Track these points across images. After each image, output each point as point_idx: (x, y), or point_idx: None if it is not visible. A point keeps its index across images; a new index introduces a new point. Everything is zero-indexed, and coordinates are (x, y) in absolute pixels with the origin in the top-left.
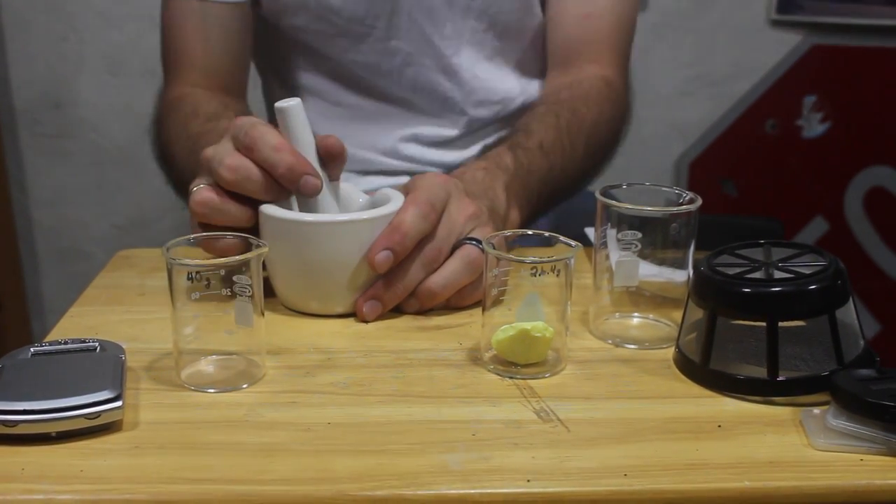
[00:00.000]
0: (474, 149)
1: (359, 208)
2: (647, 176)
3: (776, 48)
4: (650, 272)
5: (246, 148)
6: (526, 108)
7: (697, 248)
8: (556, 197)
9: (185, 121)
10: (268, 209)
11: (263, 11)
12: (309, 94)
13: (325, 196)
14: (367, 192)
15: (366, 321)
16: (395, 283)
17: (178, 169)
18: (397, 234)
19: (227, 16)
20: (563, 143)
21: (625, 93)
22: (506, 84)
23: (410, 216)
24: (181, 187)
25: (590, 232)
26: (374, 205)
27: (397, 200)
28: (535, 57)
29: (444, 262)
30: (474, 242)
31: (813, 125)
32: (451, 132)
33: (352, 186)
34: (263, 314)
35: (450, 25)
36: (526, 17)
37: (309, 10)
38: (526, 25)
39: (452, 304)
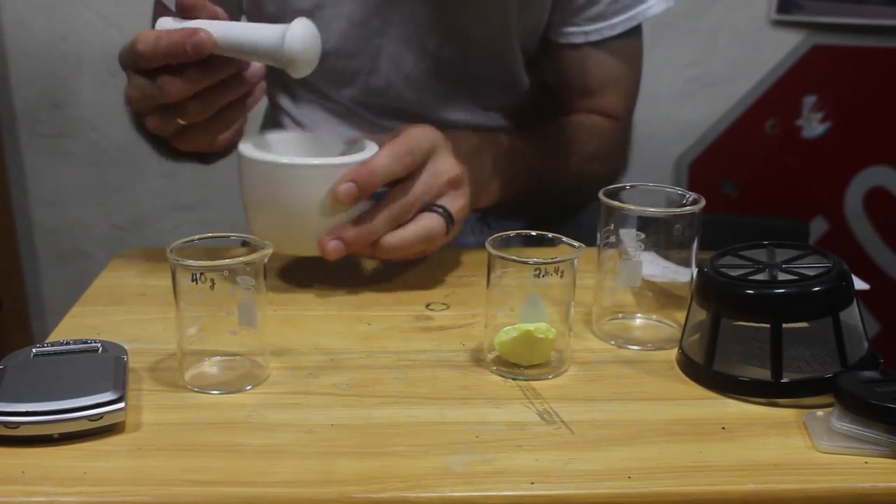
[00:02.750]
0: None
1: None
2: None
3: (776, 48)
4: (653, 272)
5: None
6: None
7: (711, 248)
8: (539, 197)
9: None
10: (246, 150)
11: None
12: (305, 94)
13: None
14: (348, 140)
15: (328, 259)
16: (360, 228)
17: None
18: (365, 169)
19: None
20: (558, 150)
21: (628, 137)
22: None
23: (383, 155)
24: (156, 145)
25: (623, 234)
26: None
27: (373, 149)
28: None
29: (410, 219)
30: (440, 210)
31: (813, 125)
32: None
33: (334, 136)
34: (267, 315)
35: (424, 81)
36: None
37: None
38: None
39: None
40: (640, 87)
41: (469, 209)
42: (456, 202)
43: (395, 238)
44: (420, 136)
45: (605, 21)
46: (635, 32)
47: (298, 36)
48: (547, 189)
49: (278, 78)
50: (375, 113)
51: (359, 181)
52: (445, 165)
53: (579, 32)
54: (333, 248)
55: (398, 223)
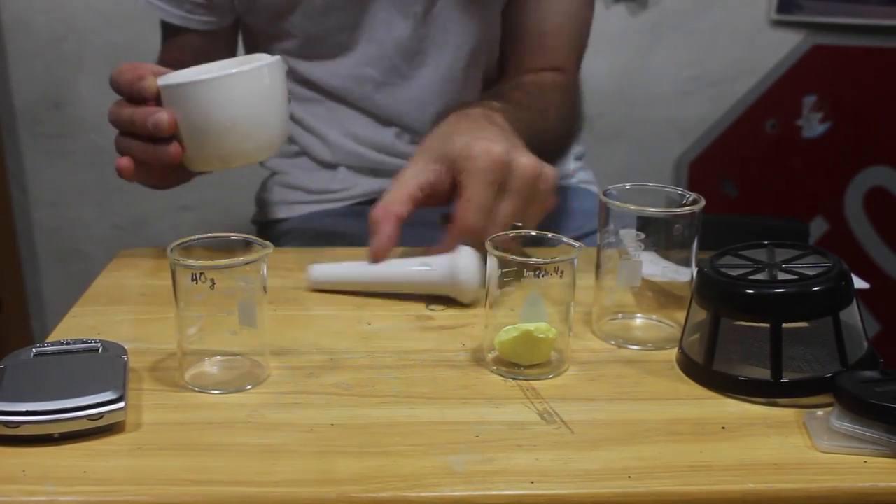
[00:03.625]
0: None
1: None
2: (647, 176)
3: (776, 48)
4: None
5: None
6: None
7: (712, 248)
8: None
9: None
10: (164, 80)
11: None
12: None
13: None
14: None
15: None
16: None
17: None
18: (464, 233)
19: (203, 41)
20: (535, 107)
21: (577, 92)
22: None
23: (473, 215)
24: None
25: (623, 234)
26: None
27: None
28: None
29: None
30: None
31: (813, 125)
32: None
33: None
34: (267, 315)
35: (420, 58)
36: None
37: (295, 37)
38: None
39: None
40: (640, 88)
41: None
42: (545, 181)
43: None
44: (484, 159)
45: None
46: None
47: (469, 270)
48: (539, 145)
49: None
50: (373, 84)
51: (469, 223)
52: (524, 161)
53: None
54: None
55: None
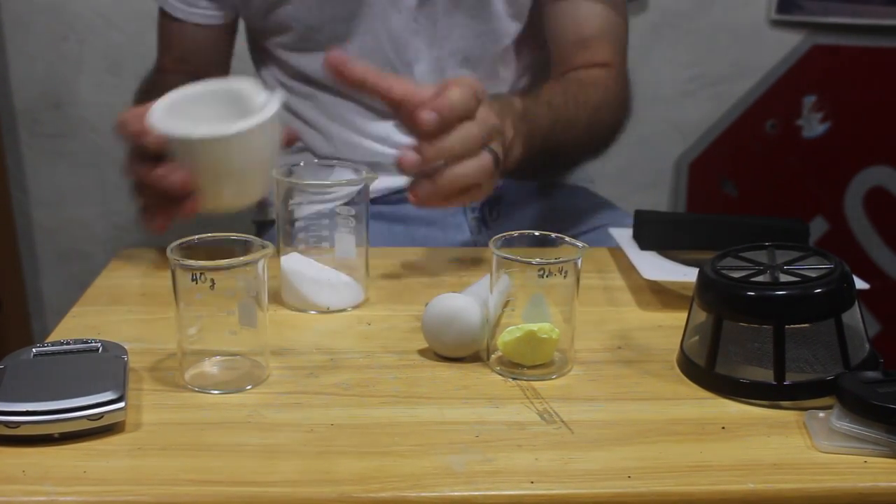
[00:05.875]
0: None
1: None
2: (647, 176)
3: (776, 48)
4: (655, 272)
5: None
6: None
7: (712, 249)
8: (555, 158)
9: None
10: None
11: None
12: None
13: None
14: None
15: (403, 172)
16: (436, 144)
17: None
18: (444, 101)
19: (201, 33)
20: (568, 108)
21: (626, 84)
22: None
23: (457, 91)
24: None
25: (614, 232)
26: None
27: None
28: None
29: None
30: (491, 151)
31: (813, 125)
32: None
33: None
34: (267, 315)
35: (412, 51)
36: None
37: (292, 29)
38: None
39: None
40: (640, 88)
41: (504, 163)
42: (499, 144)
43: (459, 169)
44: (472, 82)
45: None
46: None
47: None
48: (561, 146)
49: (268, 55)
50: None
51: (441, 112)
52: (490, 114)
53: None
54: (410, 160)
55: (466, 150)
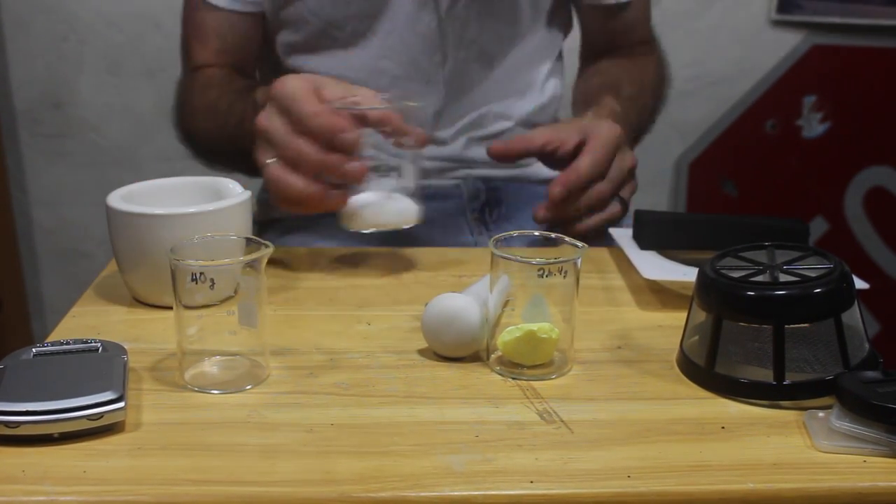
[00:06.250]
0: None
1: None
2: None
3: (776, 48)
4: (655, 272)
5: (293, 123)
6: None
7: (712, 248)
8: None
9: (212, 96)
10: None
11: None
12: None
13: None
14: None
15: (536, 222)
16: (567, 207)
17: (208, 140)
18: (574, 174)
19: (241, 22)
20: (643, 95)
21: (663, 57)
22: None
23: (588, 162)
24: (212, 157)
25: (614, 232)
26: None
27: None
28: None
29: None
30: (620, 200)
31: (813, 125)
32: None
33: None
34: (267, 315)
35: (440, 53)
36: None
37: (309, 24)
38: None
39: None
40: None
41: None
42: (629, 188)
43: (588, 222)
44: (609, 137)
45: None
46: None
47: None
48: (636, 132)
49: (292, 46)
50: (390, 77)
51: (570, 188)
52: (627, 159)
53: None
54: (544, 216)
55: (596, 208)
